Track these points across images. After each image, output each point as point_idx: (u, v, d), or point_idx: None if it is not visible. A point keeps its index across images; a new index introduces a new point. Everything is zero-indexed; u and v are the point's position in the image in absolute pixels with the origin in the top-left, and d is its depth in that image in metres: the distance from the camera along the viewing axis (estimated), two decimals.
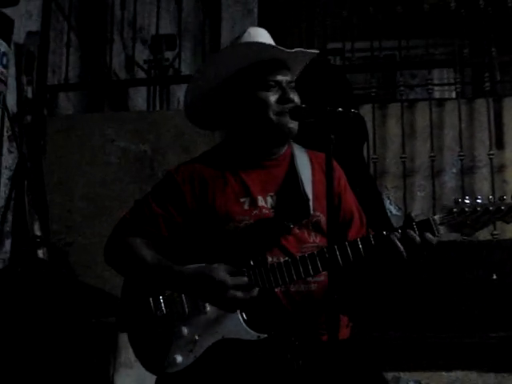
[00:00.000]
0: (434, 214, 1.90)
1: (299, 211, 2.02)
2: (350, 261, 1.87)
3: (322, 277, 1.97)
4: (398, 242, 1.85)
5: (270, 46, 2.04)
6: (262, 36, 2.10)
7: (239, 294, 1.88)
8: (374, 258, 1.89)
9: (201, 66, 2.34)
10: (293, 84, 2.07)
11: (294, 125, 2.03)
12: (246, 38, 2.08)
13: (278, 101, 2.02)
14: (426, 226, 1.87)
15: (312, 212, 2.02)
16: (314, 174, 2.09)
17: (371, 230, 2.06)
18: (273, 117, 2.01)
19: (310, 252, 1.92)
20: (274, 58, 2.05)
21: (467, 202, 1.87)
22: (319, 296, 1.97)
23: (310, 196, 2.03)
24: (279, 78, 2.03)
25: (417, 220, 1.90)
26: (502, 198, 1.86)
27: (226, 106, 2.12)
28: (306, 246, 2.00)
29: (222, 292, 1.87)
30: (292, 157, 2.12)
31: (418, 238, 1.85)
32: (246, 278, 1.90)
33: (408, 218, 1.91)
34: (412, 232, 1.86)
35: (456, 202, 1.88)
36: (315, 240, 2.03)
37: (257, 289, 1.90)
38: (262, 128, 2.04)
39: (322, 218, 2.03)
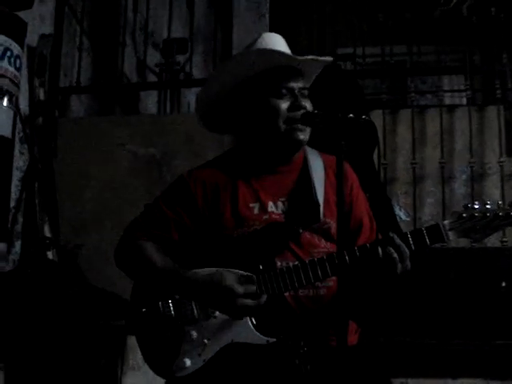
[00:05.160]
0: (444, 220, 1.91)
1: (310, 216, 2.02)
2: (359, 265, 1.88)
3: (331, 282, 1.98)
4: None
5: (281, 53, 2.03)
6: (276, 42, 2.10)
7: (248, 302, 1.88)
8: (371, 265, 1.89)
9: (214, 70, 2.35)
10: (305, 91, 2.06)
11: (303, 136, 2.03)
12: (260, 44, 2.08)
13: (290, 108, 2.01)
14: (435, 231, 1.88)
15: (322, 218, 2.02)
16: (326, 179, 2.09)
17: (380, 236, 2.06)
18: (282, 125, 2.01)
19: (319, 257, 1.93)
20: (286, 64, 2.05)
21: (477, 207, 1.88)
22: (328, 301, 1.97)
23: (321, 201, 2.03)
24: (291, 84, 2.03)
25: (426, 225, 1.91)
26: (511, 204, 1.86)
27: (238, 112, 2.12)
28: (316, 251, 2.00)
29: (231, 300, 1.88)
30: (305, 161, 2.12)
31: (395, 255, 1.84)
32: (254, 286, 1.90)
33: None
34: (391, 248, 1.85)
35: (465, 207, 1.89)
36: (325, 245, 2.03)
37: (265, 296, 1.90)
38: (271, 136, 2.04)
39: (332, 225, 2.03)
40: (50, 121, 4.14)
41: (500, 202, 1.88)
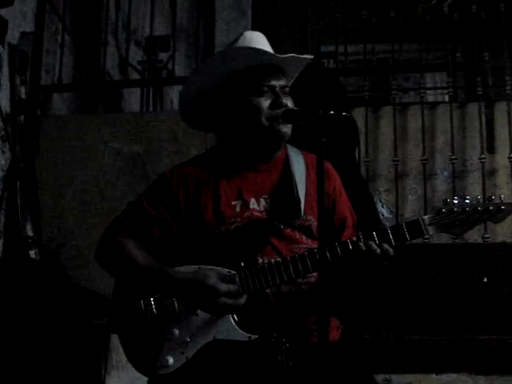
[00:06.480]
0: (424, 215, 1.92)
1: (290, 212, 2.02)
2: (340, 261, 1.89)
3: (313, 278, 1.99)
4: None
5: (262, 51, 2.03)
6: (258, 40, 2.10)
7: (230, 301, 1.89)
8: (352, 261, 1.90)
9: (196, 68, 2.35)
10: (287, 89, 2.07)
11: (287, 129, 2.03)
12: (242, 42, 2.08)
13: (271, 106, 2.02)
14: (415, 226, 1.89)
15: (303, 215, 2.02)
16: (307, 177, 2.10)
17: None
18: (264, 122, 2.01)
19: (301, 253, 1.93)
20: (268, 62, 2.05)
21: (456, 202, 1.89)
22: (309, 297, 1.98)
23: (302, 198, 2.03)
24: (273, 82, 2.04)
25: (406, 221, 1.92)
26: (490, 199, 1.89)
27: (220, 109, 2.12)
28: (298, 247, 2.01)
29: (213, 299, 1.88)
30: (287, 159, 2.13)
31: (378, 250, 1.86)
32: (236, 286, 1.90)
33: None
34: (373, 244, 1.87)
35: (445, 202, 1.90)
36: (307, 242, 2.04)
37: (245, 296, 1.91)
38: (254, 133, 2.04)
39: (314, 223, 2.04)
40: (32, 119, 4.11)
41: (479, 197, 1.90)
